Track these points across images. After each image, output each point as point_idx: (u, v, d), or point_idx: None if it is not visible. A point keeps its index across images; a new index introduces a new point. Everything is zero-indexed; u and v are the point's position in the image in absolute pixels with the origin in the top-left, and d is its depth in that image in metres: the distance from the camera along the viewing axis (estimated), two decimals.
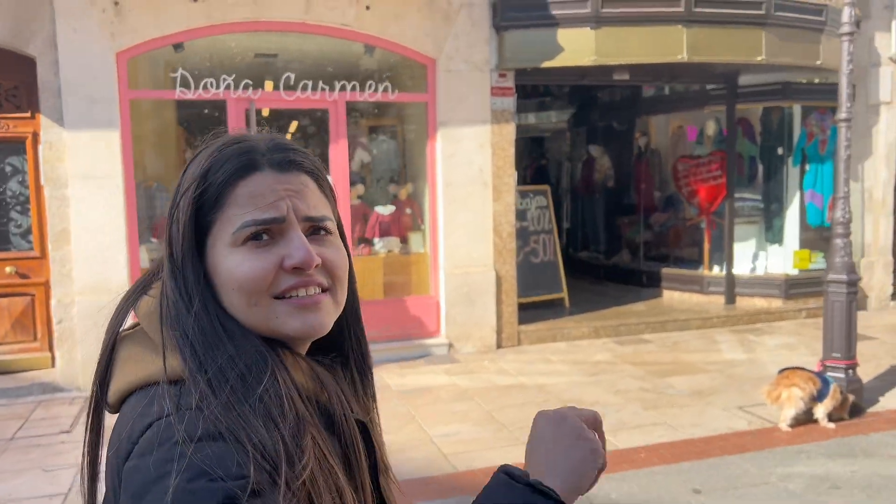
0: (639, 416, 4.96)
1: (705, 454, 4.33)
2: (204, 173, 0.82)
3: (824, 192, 7.87)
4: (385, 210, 7.01)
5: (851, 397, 4.89)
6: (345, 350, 0.94)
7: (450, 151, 6.69)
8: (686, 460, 4.23)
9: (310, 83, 6.32)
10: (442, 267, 6.76)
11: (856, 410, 4.91)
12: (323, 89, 6.36)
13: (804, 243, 8.08)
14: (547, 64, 6.58)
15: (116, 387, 0.81)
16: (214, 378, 0.75)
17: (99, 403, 0.83)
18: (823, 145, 7.82)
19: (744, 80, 7.93)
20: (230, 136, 0.86)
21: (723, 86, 7.95)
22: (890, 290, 8.39)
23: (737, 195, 8.28)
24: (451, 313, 6.77)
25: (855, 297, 4.97)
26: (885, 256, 8.32)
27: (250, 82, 6.18)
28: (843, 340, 4.92)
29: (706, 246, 8.37)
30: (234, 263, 0.81)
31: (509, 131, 6.83)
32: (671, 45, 6.53)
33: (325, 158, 6.45)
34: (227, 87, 6.10)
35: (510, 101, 6.82)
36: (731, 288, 8.08)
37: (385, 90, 6.55)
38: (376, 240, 6.97)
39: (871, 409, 5.08)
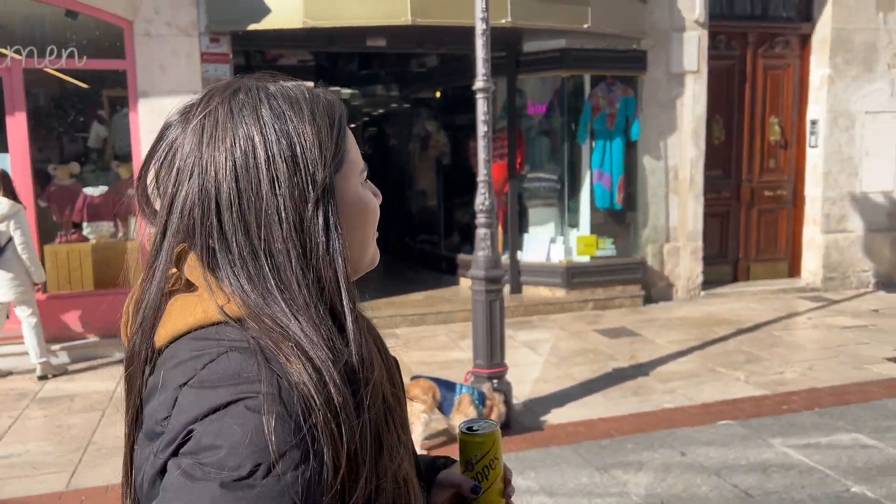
0: None
1: None
2: (332, 117, 0.82)
3: (613, 171, 7.12)
4: (95, 191, 6.30)
5: (502, 409, 4.22)
6: None
7: (154, 125, 5.97)
8: None
9: None
10: None
11: (506, 425, 4.24)
12: None
13: (595, 228, 7.36)
14: (254, 27, 5.83)
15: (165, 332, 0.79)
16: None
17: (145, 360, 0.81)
18: (612, 120, 7.05)
19: (528, 46, 7.15)
20: (302, 85, 0.84)
21: (503, 53, 7.17)
22: (700, 278, 7.67)
23: (531, 175, 7.55)
24: None
25: (497, 296, 4.26)
26: (693, 242, 7.59)
27: None
28: (484, 346, 4.22)
29: (499, 230, 7.64)
30: (369, 197, 0.85)
31: None
32: (395, 6, 5.77)
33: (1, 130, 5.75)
34: None
35: (226, 69, 6.07)
36: (517, 276, 7.38)
37: (71, 56, 5.80)
38: (85, 224, 6.28)
39: (551, 421, 4.42)
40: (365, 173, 0.85)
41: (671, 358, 5.64)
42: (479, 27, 4.09)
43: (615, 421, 4.42)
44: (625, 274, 7.33)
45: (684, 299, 7.59)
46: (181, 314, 0.77)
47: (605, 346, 5.98)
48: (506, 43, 7.07)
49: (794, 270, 8.28)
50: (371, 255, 0.88)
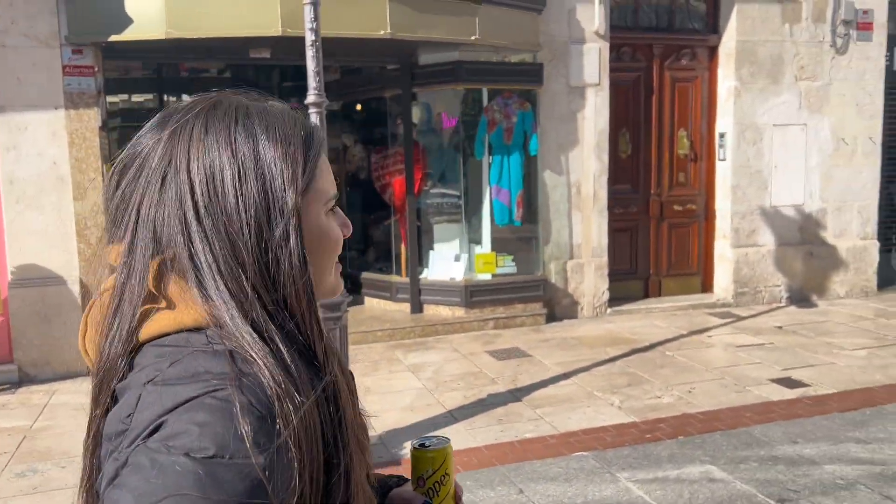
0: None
1: None
2: (301, 143, 0.83)
3: (511, 187, 6.92)
4: None
5: None
6: None
7: (12, 141, 5.65)
8: None
9: None
10: (8, 280, 5.74)
11: None
12: None
13: (496, 245, 7.15)
14: (116, 37, 5.52)
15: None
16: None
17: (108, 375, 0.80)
18: (509, 134, 6.85)
19: (424, 58, 6.94)
20: (283, 108, 0.85)
21: (398, 65, 6.95)
22: (606, 295, 7.49)
23: (434, 191, 7.33)
24: (24, 334, 5.76)
25: (337, 323, 4.00)
26: (598, 258, 7.41)
27: None
28: None
29: (402, 247, 7.41)
30: (331, 227, 0.87)
31: (91, 117, 5.78)
32: (265, 17, 5.51)
33: None
34: None
35: (90, 82, 5.76)
36: (417, 295, 7.14)
37: None
38: None
39: (407, 456, 4.17)
40: (331, 203, 0.87)
41: (553, 381, 5.43)
42: (309, 38, 3.86)
43: (467, 454, 4.18)
44: (526, 292, 7.12)
45: (590, 317, 7.40)
46: (151, 323, 0.78)
47: (491, 369, 5.75)
48: (400, 55, 6.86)
49: (706, 285, 8.14)
50: (329, 284, 0.89)
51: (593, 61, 7.13)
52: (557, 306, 7.36)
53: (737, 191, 7.75)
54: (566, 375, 5.55)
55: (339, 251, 0.88)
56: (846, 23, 7.82)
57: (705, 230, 8.07)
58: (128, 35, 5.52)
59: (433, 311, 7.14)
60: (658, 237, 7.94)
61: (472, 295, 6.95)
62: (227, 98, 0.83)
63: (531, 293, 7.12)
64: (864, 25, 7.96)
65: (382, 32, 5.79)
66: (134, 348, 0.78)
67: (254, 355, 0.72)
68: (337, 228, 0.87)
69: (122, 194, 0.80)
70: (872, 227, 8.26)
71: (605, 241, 7.44)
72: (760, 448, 4.12)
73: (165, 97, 8.03)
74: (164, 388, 0.71)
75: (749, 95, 7.66)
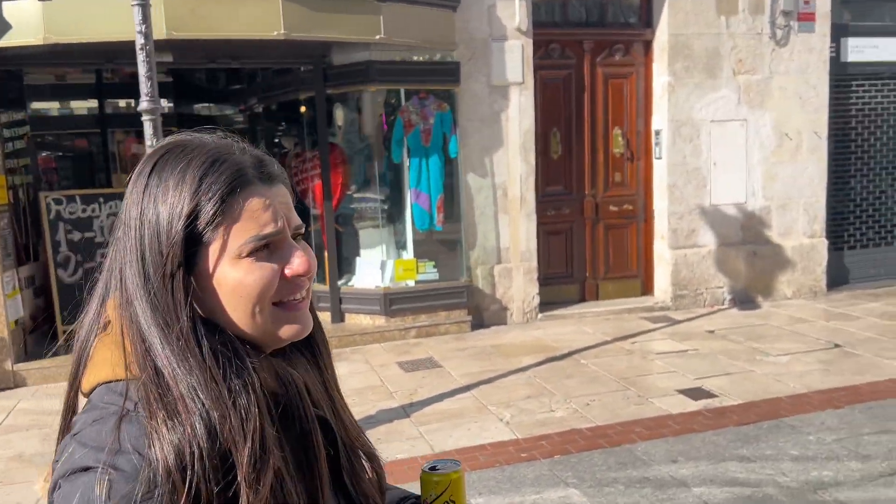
0: None
1: None
2: (195, 191, 0.83)
3: (431, 191, 6.67)
4: None
5: None
6: (307, 338, 0.95)
7: None
8: None
9: None
10: None
11: None
12: None
13: (419, 251, 6.91)
14: None
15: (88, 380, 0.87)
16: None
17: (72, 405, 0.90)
18: (427, 136, 6.61)
19: (337, 58, 6.70)
20: (208, 148, 0.87)
21: (311, 66, 6.71)
22: (536, 300, 7.24)
23: (357, 195, 7.10)
24: None
25: None
26: (527, 262, 7.15)
27: None
28: None
29: (325, 254, 7.18)
30: (241, 275, 0.84)
31: None
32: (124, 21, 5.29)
33: None
34: None
35: None
36: (338, 304, 6.91)
37: None
38: None
39: None
40: (248, 246, 0.84)
41: (451, 394, 5.19)
42: (139, 41, 3.64)
43: None
44: (449, 299, 6.87)
45: (520, 323, 7.15)
46: (98, 366, 0.86)
47: (394, 382, 5.52)
48: (312, 55, 6.63)
49: (647, 288, 7.87)
50: (261, 331, 0.87)
51: (516, 59, 6.87)
52: (485, 312, 7.12)
53: (674, 190, 7.48)
54: (468, 388, 5.31)
55: (264, 296, 0.85)
56: (786, 14, 7.53)
57: (644, 231, 7.80)
58: (6, 41, 5.32)
59: (354, 320, 6.91)
60: (594, 239, 7.68)
61: (392, 303, 6.71)
62: (160, 149, 0.88)
63: (455, 300, 6.88)
64: (805, 16, 7.67)
65: (276, 33, 5.56)
66: (86, 387, 0.86)
67: (156, 426, 0.78)
68: (256, 273, 0.84)
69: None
70: (820, 224, 7.97)
71: (533, 244, 7.18)
72: (636, 468, 3.87)
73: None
74: (76, 447, 0.79)
75: (684, 91, 7.38)
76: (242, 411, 0.80)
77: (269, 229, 0.85)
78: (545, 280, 7.51)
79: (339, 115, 7.10)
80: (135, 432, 0.77)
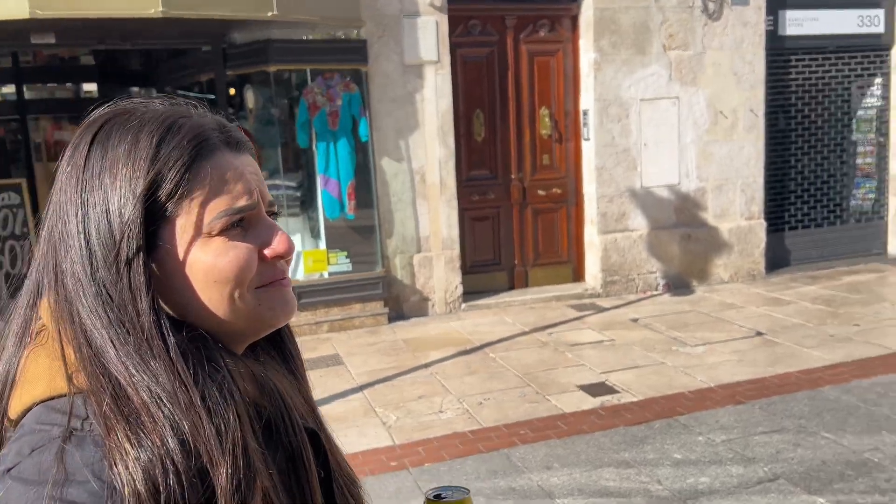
0: None
1: None
2: (152, 158, 0.70)
3: (341, 177, 6.34)
4: None
5: None
6: (276, 341, 0.85)
7: None
8: None
9: None
10: None
11: None
12: None
13: (332, 240, 6.58)
14: None
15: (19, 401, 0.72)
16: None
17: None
18: (334, 119, 6.26)
19: (238, 37, 6.32)
20: (160, 111, 0.74)
21: (209, 46, 6.34)
22: (459, 289, 6.94)
23: (267, 182, 6.70)
24: None
25: None
26: (449, 250, 6.85)
27: None
28: None
29: None
30: (212, 257, 0.72)
31: None
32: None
33: None
34: None
35: None
36: None
37: None
38: None
39: None
40: (220, 222, 0.72)
41: (343, 395, 4.90)
42: None
43: None
44: (364, 290, 6.57)
45: (442, 314, 6.86)
46: (30, 383, 0.71)
47: None
48: (211, 34, 6.25)
49: (578, 274, 7.59)
50: (246, 317, 0.74)
51: (430, 36, 6.52)
52: (405, 304, 6.82)
53: (602, 172, 7.18)
54: (363, 388, 5.02)
55: (245, 279, 0.73)
56: None
57: (575, 215, 7.51)
58: None
59: None
60: (522, 225, 7.38)
61: (301, 297, 6.38)
62: (111, 114, 0.74)
63: (370, 292, 6.57)
64: None
65: (153, 11, 5.16)
66: (14, 411, 0.71)
67: (117, 445, 0.64)
68: (234, 252, 0.73)
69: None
70: (758, 205, 7.70)
71: (456, 231, 6.88)
72: (506, 477, 3.60)
73: None
74: (15, 484, 0.64)
75: (611, 68, 7.06)
76: (221, 422, 0.67)
77: (242, 202, 0.73)
78: (471, 268, 7.21)
79: (249, 97, 6.73)
80: (89, 455, 0.64)
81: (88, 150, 0.71)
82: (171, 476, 0.64)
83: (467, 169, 7.09)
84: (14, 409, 0.71)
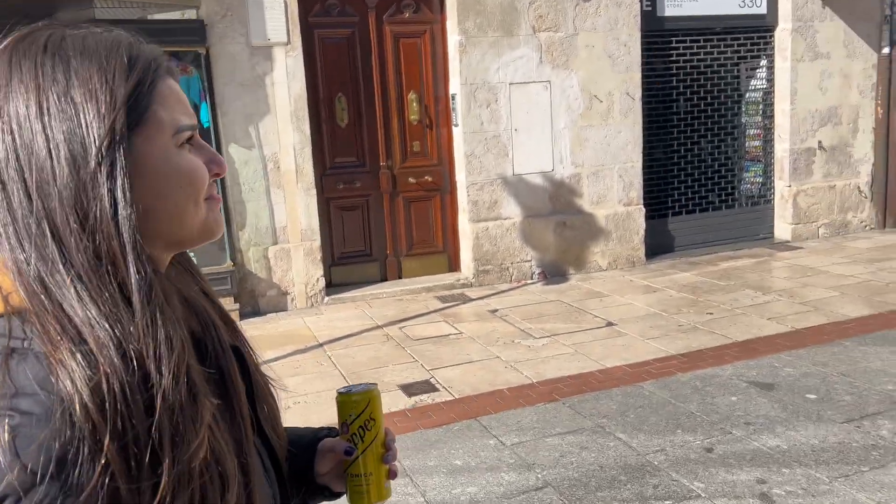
0: None
1: None
2: (126, 75, 0.73)
3: None
4: None
5: None
6: (182, 262, 0.90)
7: None
8: None
9: None
10: None
11: None
12: None
13: None
14: None
15: None
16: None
17: None
18: None
19: (63, 15, 5.95)
20: (115, 34, 0.77)
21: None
22: (321, 282, 6.68)
23: None
24: None
25: None
26: (308, 241, 6.57)
27: None
28: None
29: None
30: (185, 162, 0.77)
31: None
32: None
33: None
34: None
35: None
36: None
37: None
38: None
39: None
40: (184, 134, 0.78)
41: None
42: None
43: None
44: (212, 286, 6.26)
45: (303, 308, 6.58)
46: None
47: None
48: (33, 14, 5.83)
49: (455, 264, 7.37)
50: (199, 225, 0.80)
51: (278, 16, 6.20)
52: (262, 299, 6.53)
53: (472, 159, 6.94)
54: None
55: (203, 188, 0.79)
56: None
57: (449, 203, 7.27)
58: None
59: None
60: (393, 214, 7.12)
61: None
62: (40, 29, 0.74)
63: (218, 287, 6.24)
64: None
65: None
66: None
67: (61, 356, 0.65)
68: (196, 162, 0.78)
69: None
70: (637, 191, 7.55)
71: (316, 222, 6.59)
72: None
73: None
74: None
75: (478, 51, 6.81)
76: (166, 346, 0.68)
77: (192, 120, 0.80)
78: (339, 260, 6.95)
79: None
80: (34, 369, 0.65)
81: (38, 67, 0.71)
82: (117, 391, 0.65)
83: (332, 156, 6.80)
84: None
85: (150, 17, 5.90)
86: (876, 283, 6.28)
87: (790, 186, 8.24)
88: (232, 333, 0.88)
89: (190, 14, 5.94)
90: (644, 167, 7.60)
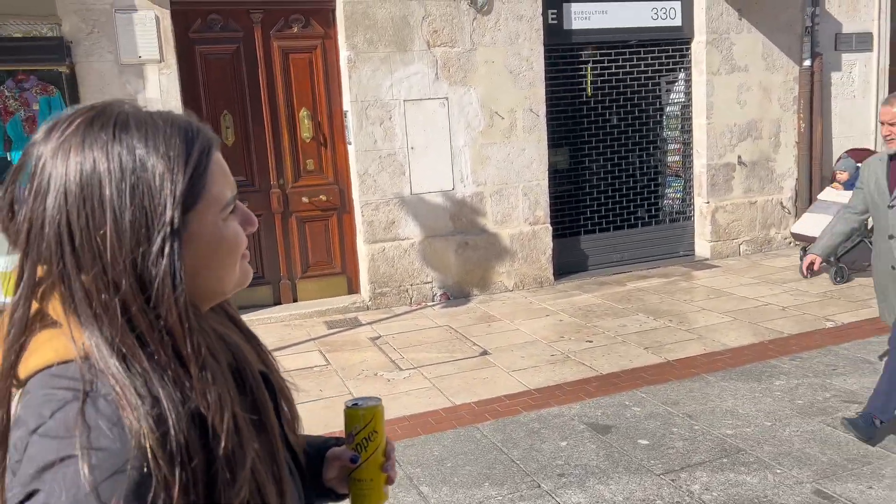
0: None
1: None
2: (193, 151, 0.82)
3: None
4: None
5: None
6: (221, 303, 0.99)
7: None
8: None
9: None
10: None
11: None
12: None
13: None
14: None
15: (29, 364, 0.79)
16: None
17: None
18: (32, 125, 5.68)
19: None
20: (169, 115, 0.85)
21: None
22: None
23: None
24: None
25: None
26: None
27: None
28: None
29: None
30: (229, 232, 0.87)
31: None
32: None
33: None
34: None
35: None
36: None
37: None
38: None
39: None
40: (230, 207, 0.86)
41: None
42: None
43: None
44: None
45: None
46: (42, 349, 0.78)
47: None
48: None
49: (354, 286, 7.14)
50: (236, 279, 0.90)
51: (150, 33, 5.96)
52: None
53: (366, 178, 6.71)
54: None
55: (241, 251, 0.90)
56: None
57: (347, 224, 7.04)
58: None
59: None
60: (287, 235, 6.88)
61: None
62: (109, 106, 0.82)
63: None
64: None
65: None
66: (24, 373, 0.78)
67: (128, 401, 0.72)
68: (237, 229, 0.88)
69: (12, 200, 0.80)
70: (544, 209, 7.33)
71: None
72: None
73: None
74: (43, 441, 0.71)
75: (368, 67, 6.59)
76: (217, 397, 0.78)
77: (234, 191, 0.88)
78: None
79: None
80: (105, 409, 0.72)
81: (111, 129, 0.78)
82: (175, 430, 0.73)
83: None
84: (23, 372, 0.78)
85: (8, 35, 5.65)
86: (773, 307, 6.06)
87: (708, 203, 8.04)
88: (260, 355, 0.99)
89: (51, 31, 5.70)
90: (552, 185, 7.39)
